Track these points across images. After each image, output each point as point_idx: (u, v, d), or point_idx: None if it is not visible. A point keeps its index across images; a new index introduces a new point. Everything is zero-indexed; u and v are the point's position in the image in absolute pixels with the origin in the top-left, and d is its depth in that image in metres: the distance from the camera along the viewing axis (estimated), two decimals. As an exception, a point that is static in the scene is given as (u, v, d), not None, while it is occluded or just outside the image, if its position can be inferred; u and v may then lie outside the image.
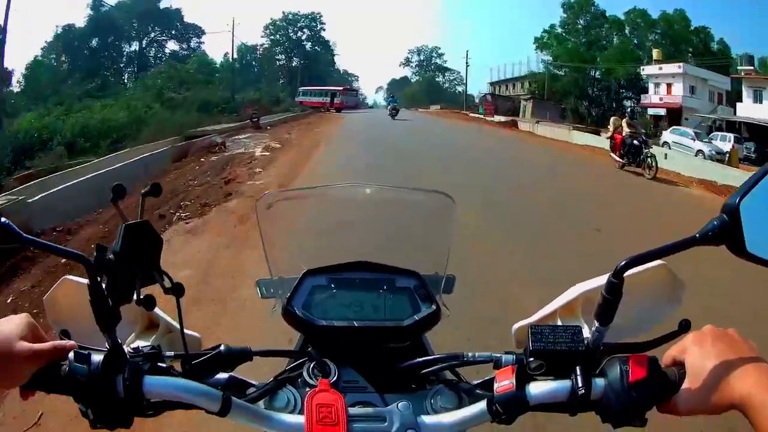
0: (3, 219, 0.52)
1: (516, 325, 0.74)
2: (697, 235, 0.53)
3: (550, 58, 39.74)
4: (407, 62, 78.50)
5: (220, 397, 0.56)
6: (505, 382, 0.58)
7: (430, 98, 66.21)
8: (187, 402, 0.56)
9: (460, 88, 75.72)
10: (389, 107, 25.79)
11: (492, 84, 51.73)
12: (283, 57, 63.92)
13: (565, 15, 40.16)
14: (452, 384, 0.66)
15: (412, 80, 79.16)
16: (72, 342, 0.57)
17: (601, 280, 0.58)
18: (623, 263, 0.54)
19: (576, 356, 0.58)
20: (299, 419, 0.57)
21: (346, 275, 0.79)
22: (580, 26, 38.32)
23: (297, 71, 66.16)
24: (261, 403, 0.61)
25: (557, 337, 0.59)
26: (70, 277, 0.73)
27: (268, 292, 0.84)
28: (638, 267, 0.56)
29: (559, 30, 39.37)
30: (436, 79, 77.26)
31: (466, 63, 57.78)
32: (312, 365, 0.66)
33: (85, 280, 0.58)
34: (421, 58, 78.42)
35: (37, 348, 0.53)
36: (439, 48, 78.35)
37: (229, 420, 0.56)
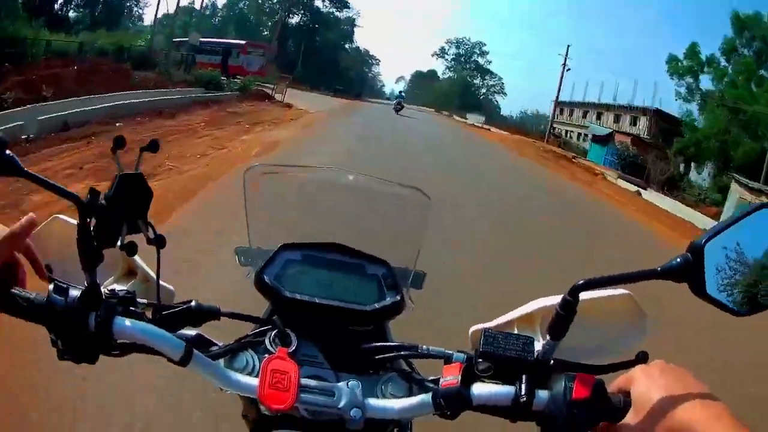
0: (7, 152, 0.59)
1: (473, 328, 0.80)
2: (659, 269, 0.57)
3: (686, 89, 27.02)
4: (442, 53, 68.80)
5: (183, 347, 0.63)
6: (450, 378, 0.65)
7: (462, 102, 57.33)
8: (151, 347, 0.63)
9: (499, 98, 67.28)
10: (395, 102, 30.25)
11: (559, 105, 41.14)
12: (279, 7, 45.41)
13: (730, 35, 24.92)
14: (404, 373, 0.73)
15: (441, 76, 69.68)
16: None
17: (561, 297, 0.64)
18: (580, 283, 0.59)
19: (524, 365, 0.63)
20: (253, 381, 0.64)
21: (320, 254, 0.87)
22: (746, 54, 24.10)
23: (296, 33, 47.60)
24: (221, 362, 0.68)
25: (508, 343, 0.65)
26: (61, 216, 0.81)
27: (245, 260, 0.94)
28: (599, 291, 0.65)
29: (718, 53, 25.64)
30: (474, 81, 67.15)
31: (564, 65, 36.40)
32: (274, 333, 0.73)
33: (75, 221, 0.65)
34: (460, 52, 67.12)
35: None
36: (484, 44, 67.40)
37: (188, 370, 0.64)
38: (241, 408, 0.79)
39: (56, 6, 30.66)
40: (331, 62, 50.81)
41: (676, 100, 26.60)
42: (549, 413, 0.60)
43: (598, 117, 35.20)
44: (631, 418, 0.56)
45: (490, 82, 63.68)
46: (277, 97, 21.19)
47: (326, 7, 52.15)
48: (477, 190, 9.12)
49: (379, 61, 73.98)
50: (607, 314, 0.74)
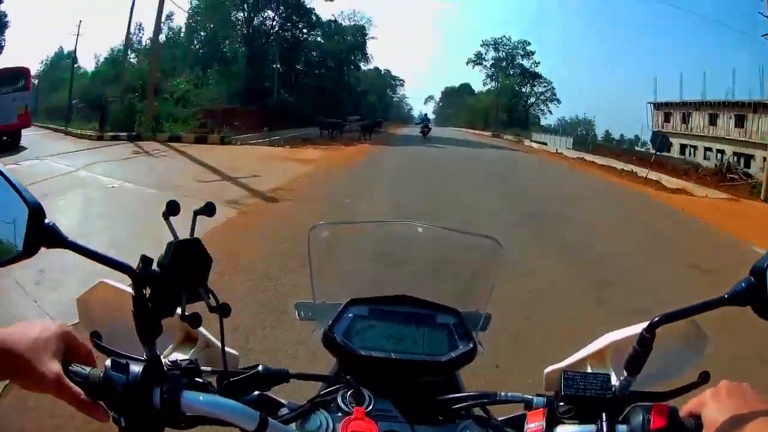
0: (47, 221, 0.61)
1: (547, 369, 0.88)
2: (726, 296, 0.64)
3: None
4: (478, 59, 55.61)
5: (257, 417, 0.65)
6: (535, 424, 0.70)
7: (510, 118, 46.58)
8: (223, 419, 0.66)
9: (554, 108, 53.02)
10: (421, 125, 29.73)
11: (658, 107, 29.69)
12: (244, 12, 31.49)
13: None
14: (481, 420, 0.78)
15: (482, 88, 57.22)
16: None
17: (631, 330, 0.74)
18: (656, 319, 0.66)
19: (603, 403, 0.69)
20: None
21: (388, 307, 0.91)
22: None
23: (272, 48, 33.29)
24: (293, 425, 0.71)
25: (588, 384, 0.70)
26: (107, 280, 0.83)
27: (307, 315, 0.98)
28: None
29: None
30: (522, 89, 53.96)
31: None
32: (348, 393, 0.76)
33: (121, 285, 0.71)
34: (500, 55, 54.33)
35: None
36: (529, 43, 53.91)
37: None
38: None
39: None
40: (334, 85, 37.39)
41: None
42: None
43: (712, 122, 26.08)
44: None
45: (539, 90, 49.76)
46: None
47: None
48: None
49: (404, 81, 65.01)
50: (670, 339, 0.80)
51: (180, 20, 37.13)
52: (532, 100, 54.78)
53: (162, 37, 34.81)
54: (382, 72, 57.01)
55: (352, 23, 44.24)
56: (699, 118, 27.05)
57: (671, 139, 26.11)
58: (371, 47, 47.87)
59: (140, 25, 35.19)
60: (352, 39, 44.32)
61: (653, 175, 17.85)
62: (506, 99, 51.70)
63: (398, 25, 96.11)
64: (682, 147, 27.37)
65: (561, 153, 26.97)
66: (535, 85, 54.66)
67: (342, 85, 42.49)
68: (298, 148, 18.61)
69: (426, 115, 37.59)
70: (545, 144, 32.75)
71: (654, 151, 19.47)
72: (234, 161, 12.97)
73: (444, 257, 1.09)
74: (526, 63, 54.27)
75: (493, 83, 55.59)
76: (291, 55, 36.83)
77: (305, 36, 39.57)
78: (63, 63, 35.00)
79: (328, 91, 38.51)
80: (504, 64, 55.06)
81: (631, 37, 68.80)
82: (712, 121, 26.21)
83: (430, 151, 21.07)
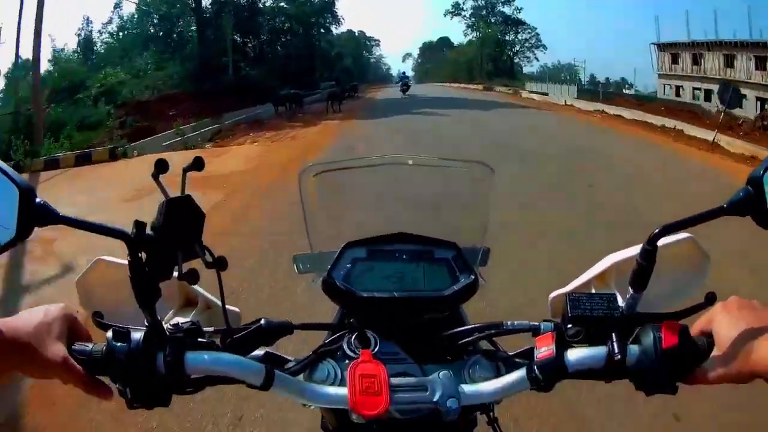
0: (39, 199, 0.59)
1: (552, 295, 0.86)
2: (725, 205, 0.62)
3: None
4: (456, 10, 52.62)
5: (263, 370, 0.65)
6: (544, 349, 0.67)
7: (496, 70, 44.42)
8: (229, 377, 0.66)
9: (540, 54, 52.12)
10: (401, 83, 29.69)
11: (663, 48, 25.83)
12: None
13: None
14: (490, 353, 0.77)
15: (459, 40, 56.68)
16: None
17: (633, 250, 0.72)
18: (657, 231, 0.64)
19: (612, 323, 0.68)
20: (342, 390, 0.66)
21: (385, 247, 0.90)
22: None
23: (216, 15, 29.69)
24: (301, 377, 0.72)
25: (594, 304, 0.69)
26: (105, 257, 0.83)
27: (305, 267, 0.97)
28: (669, 237, 0.70)
29: None
30: (506, 38, 50.65)
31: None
32: (353, 337, 0.77)
33: (120, 260, 0.70)
34: (479, 4, 51.18)
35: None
36: None
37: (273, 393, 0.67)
38: (319, 421, 0.83)
39: None
40: (303, 52, 34.39)
41: None
42: (642, 367, 0.64)
43: (729, 63, 22.34)
44: (714, 357, 0.63)
45: (523, 38, 47.03)
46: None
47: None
48: None
49: (379, 41, 62.86)
50: (672, 260, 0.79)
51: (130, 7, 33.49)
52: (517, 48, 52.15)
53: (113, 27, 32.01)
54: (356, 34, 55.87)
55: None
56: (713, 59, 23.22)
57: (682, 83, 23.81)
58: (342, 8, 44.50)
59: (88, 18, 31.74)
60: (318, 0, 40.68)
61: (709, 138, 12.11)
62: (489, 49, 49.60)
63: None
64: (694, 90, 23.87)
65: (572, 105, 22.21)
66: (518, 32, 52.16)
67: (313, 52, 38.70)
68: (225, 147, 12.67)
69: (404, 73, 38.06)
70: (546, 95, 28.06)
71: (723, 108, 13.46)
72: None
73: (437, 189, 1.08)
74: (507, 10, 51.72)
75: (474, 33, 53.24)
76: (250, 25, 32.48)
77: (264, 1, 35.40)
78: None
79: (296, 59, 34.48)
80: (484, 12, 52.28)
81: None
82: (729, 62, 22.49)
83: (422, 124, 14.35)
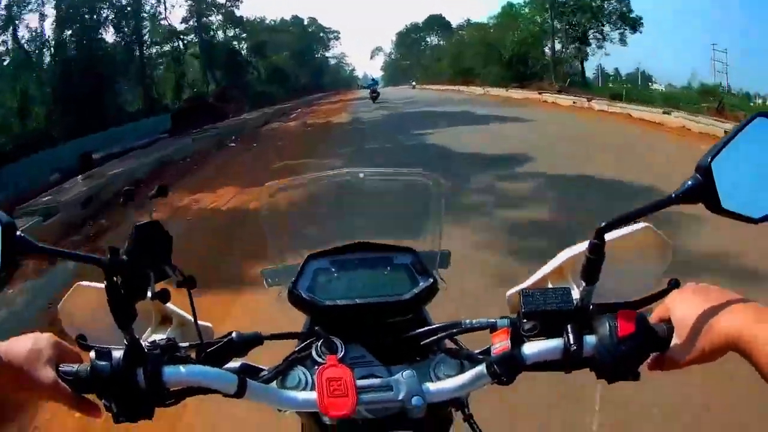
0: (18, 233, 0.64)
1: (509, 292, 0.88)
2: (674, 195, 0.64)
3: None
4: None
5: (236, 379, 0.69)
6: (499, 344, 0.70)
7: (486, 67, 31.23)
8: (205, 387, 0.70)
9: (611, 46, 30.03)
10: (369, 90, 25.96)
11: None
12: None
13: None
14: (453, 352, 0.81)
15: (467, 17, 50.62)
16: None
17: (587, 244, 0.71)
18: (603, 225, 0.65)
19: (567, 316, 0.70)
20: (311, 395, 0.70)
21: (346, 257, 0.95)
22: None
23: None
24: (274, 384, 0.76)
25: (548, 298, 0.71)
26: (83, 282, 0.87)
27: (273, 281, 1.00)
28: (621, 230, 0.73)
29: None
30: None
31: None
32: (320, 344, 0.80)
33: (98, 284, 0.76)
34: None
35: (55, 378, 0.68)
36: None
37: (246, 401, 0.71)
38: (299, 427, 0.89)
39: None
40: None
41: None
42: (600, 356, 0.66)
43: None
44: (676, 343, 0.64)
45: (610, 5, 27.15)
46: None
47: None
48: None
49: (339, 33, 51.18)
50: (631, 250, 0.81)
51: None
52: (516, 34, 27.77)
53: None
54: (306, 22, 40.18)
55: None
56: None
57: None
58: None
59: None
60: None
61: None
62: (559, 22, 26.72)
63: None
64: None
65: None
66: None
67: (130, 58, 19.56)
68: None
69: (373, 78, 34.77)
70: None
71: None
72: None
73: (392, 199, 1.19)
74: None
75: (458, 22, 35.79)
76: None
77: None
78: None
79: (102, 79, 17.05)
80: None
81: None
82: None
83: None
